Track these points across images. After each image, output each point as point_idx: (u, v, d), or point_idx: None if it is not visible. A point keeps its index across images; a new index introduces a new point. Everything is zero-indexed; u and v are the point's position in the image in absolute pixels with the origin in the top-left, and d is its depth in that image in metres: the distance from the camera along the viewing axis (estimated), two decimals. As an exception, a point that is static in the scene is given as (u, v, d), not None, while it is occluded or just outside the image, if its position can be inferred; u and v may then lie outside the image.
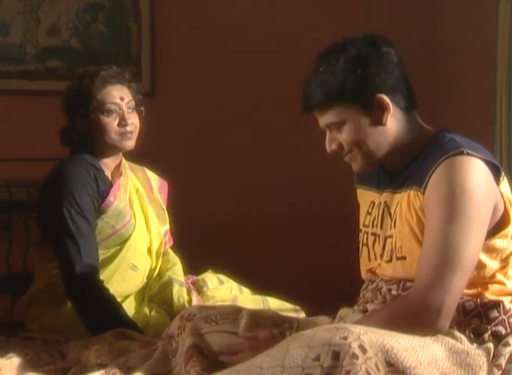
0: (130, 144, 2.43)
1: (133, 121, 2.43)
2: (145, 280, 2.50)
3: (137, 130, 2.45)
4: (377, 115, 1.75)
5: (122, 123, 2.39)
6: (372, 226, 1.87)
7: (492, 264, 1.72)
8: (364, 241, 1.90)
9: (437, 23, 3.96)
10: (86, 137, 2.41)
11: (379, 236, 1.84)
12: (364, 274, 1.92)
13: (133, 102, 2.44)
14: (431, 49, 3.95)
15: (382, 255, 1.83)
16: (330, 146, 1.81)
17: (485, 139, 3.16)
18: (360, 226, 1.93)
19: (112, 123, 2.39)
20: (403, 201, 1.76)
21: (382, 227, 1.84)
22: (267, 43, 3.88)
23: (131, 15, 3.78)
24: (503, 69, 3.28)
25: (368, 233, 1.89)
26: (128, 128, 2.40)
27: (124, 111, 2.40)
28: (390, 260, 1.79)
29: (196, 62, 3.86)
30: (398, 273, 1.78)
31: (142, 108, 2.49)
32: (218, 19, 3.88)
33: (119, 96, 2.41)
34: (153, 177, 2.65)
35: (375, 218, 1.86)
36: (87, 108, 2.38)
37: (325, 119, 1.78)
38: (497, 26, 3.31)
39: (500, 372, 1.67)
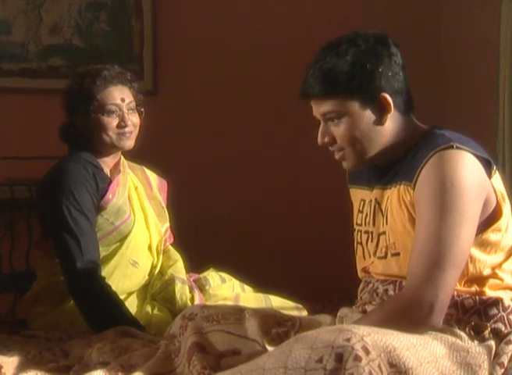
0: (130, 143, 2.43)
1: (134, 121, 2.43)
2: (147, 276, 2.50)
3: (137, 130, 2.46)
4: (377, 114, 1.75)
5: (122, 124, 2.40)
6: (365, 224, 1.87)
7: (487, 258, 1.72)
8: (359, 240, 1.90)
9: (440, 21, 3.95)
10: (84, 135, 2.42)
11: (372, 233, 1.84)
12: (359, 273, 1.92)
13: (133, 103, 2.44)
14: (433, 47, 3.94)
15: (375, 253, 1.83)
16: (323, 138, 1.79)
17: (487, 137, 3.17)
18: (354, 226, 1.93)
19: (111, 123, 2.40)
20: (394, 196, 1.76)
21: (374, 224, 1.83)
22: (269, 42, 3.88)
23: (133, 13, 3.78)
24: (506, 67, 3.28)
25: (361, 231, 1.89)
26: (127, 129, 2.41)
27: (124, 112, 2.41)
28: (385, 257, 1.79)
29: (198, 60, 3.86)
30: (392, 270, 1.78)
31: (142, 109, 2.49)
32: (220, 18, 3.88)
33: (120, 97, 2.41)
34: (152, 176, 2.65)
35: (366, 215, 1.86)
36: (87, 107, 2.38)
37: (323, 107, 1.75)
38: (499, 24, 3.31)
39: (503, 370, 1.67)
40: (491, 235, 1.72)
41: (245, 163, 3.87)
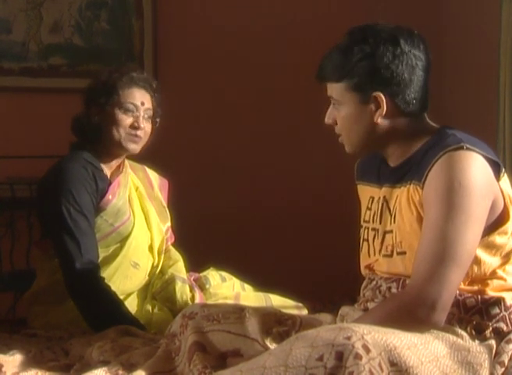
0: (135, 147, 2.44)
1: (146, 128, 2.44)
2: (147, 277, 2.51)
3: (146, 138, 2.47)
4: (371, 110, 1.75)
5: (135, 124, 2.41)
6: (372, 222, 1.87)
7: (492, 261, 1.72)
8: (365, 237, 1.90)
9: (440, 21, 3.95)
10: (96, 128, 2.41)
11: (378, 230, 1.84)
12: (362, 270, 1.92)
13: (151, 111, 2.46)
14: (433, 46, 3.93)
15: (380, 250, 1.83)
16: (328, 119, 1.84)
17: (488, 136, 3.16)
18: (361, 222, 1.93)
19: (125, 120, 2.41)
20: (403, 196, 1.76)
21: (381, 222, 1.83)
22: (269, 41, 3.87)
23: (133, 12, 3.78)
24: (506, 66, 3.27)
25: (368, 228, 1.89)
26: (138, 132, 2.42)
27: (140, 114, 2.42)
28: (391, 255, 1.79)
29: (198, 59, 3.85)
30: (397, 269, 1.78)
31: (158, 119, 2.51)
32: (220, 16, 3.88)
33: (141, 100, 2.43)
34: (153, 176, 2.65)
35: (374, 213, 1.86)
36: (107, 100, 2.40)
37: (329, 90, 1.81)
38: (500, 23, 3.30)
39: (503, 369, 1.67)
40: (497, 238, 1.72)
41: (246, 162, 3.86)
